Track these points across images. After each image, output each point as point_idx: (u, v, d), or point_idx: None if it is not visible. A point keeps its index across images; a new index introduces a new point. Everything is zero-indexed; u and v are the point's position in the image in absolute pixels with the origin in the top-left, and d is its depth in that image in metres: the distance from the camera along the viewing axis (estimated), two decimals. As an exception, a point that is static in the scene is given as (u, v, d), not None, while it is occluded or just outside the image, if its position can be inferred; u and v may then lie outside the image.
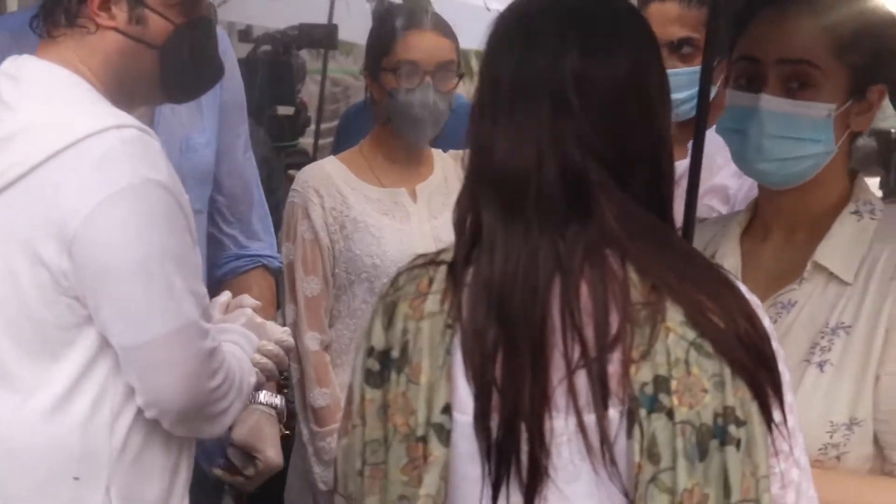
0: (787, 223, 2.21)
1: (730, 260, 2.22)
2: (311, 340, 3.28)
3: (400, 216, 3.34)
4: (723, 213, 2.86)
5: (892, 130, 4.97)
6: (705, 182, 2.69)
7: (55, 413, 2.17)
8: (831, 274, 2.12)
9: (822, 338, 2.06)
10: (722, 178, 2.90)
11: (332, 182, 3.32)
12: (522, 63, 1.75)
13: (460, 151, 3.29)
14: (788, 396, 1.72)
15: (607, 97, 1.71)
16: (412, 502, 1.72)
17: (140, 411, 2.21)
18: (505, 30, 1.80)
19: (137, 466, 2.24)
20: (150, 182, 2.15)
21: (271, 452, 2.87)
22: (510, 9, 1.83)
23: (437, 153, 3.46)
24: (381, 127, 3.40)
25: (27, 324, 2.16)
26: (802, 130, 2.13)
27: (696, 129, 2.29)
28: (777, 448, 1.70)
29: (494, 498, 1.70)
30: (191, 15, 2.32)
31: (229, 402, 2.31)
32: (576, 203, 1.70)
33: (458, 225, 1.77)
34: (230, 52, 3.12)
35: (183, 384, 2.20)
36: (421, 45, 3.29)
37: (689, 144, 2.34)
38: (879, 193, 5.06)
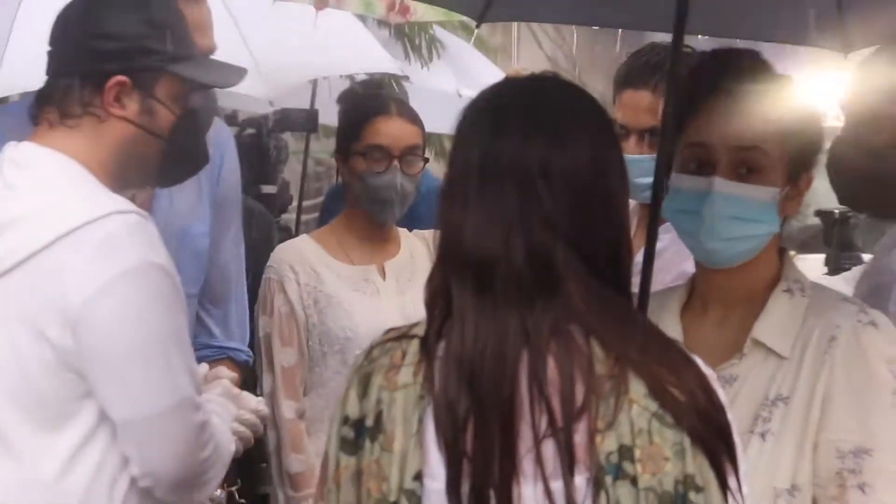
0: (724, 300, 2.25)
1: (671, 334, 2.23)
2: (288, 409, 3.28)
3: (370, 292, 3.35)
4: None
5: (836, 211, 4.99)
6: (677, 266, 2.72)
7: (58, 482, 2.17)
8: (769, 349, 2.14)
9: (763, 409, 2.10)
10: (690, 266, 2.92)
11: (306, 259, 3.34)
12: (491, 148, 1.76)
13: (429, 231, 3.36)
14: (742, 465, 1.73)
15: (571, 183, 1.73)
16: None
17: (133, 480, 2.21)
18: (475, 116, 1.81)
19: None
20: (151, 265, 2.18)
21: None
22: (480, 96, 1.84)
23: (403, 232, 3.49)
24: (352, 207, 3.43)
25: (31, 397, 2.16)
26: (751, 212, 2.16)
27: (652, 212, 2.33)
28: None
29: None
30: (187, 106, 2.36)
31: (216, 472, 2.34)
32: (542, 282, 1.71)
33: (430, 301, 1.78)
34: (229, 143, 3.16)
35: (178, 456, 2.22)
36: (388, 131, 3.32)
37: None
38: (825, 269, 5.08)
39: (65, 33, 2.30)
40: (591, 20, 3.50)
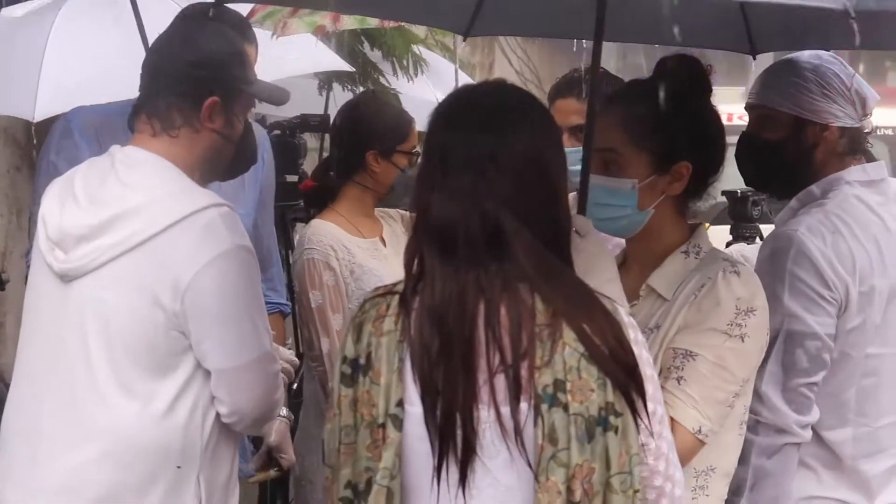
0: (638, 260, 2.35)
1: None
2: None
3: (381, 258, 3.41)
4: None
5: (738, 191, 5.03)
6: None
7: (165, 417, 2.25)
8: (658, 294, 2.25)
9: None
10: None
11: (337, 238, 3.36)
12: (449, 140, 1.81)
13: (394, 210, 3.55)
14: (650, 388, 1.79)
15: (515, 166, 1.77)
16: (374, 473, 1.77)
17: (217, 416, 2.28)
18: (437, 116, 1.86)
19: (215, 458, 2.33)
20: (240, 247, 2.29)
21: (291, 453, 3.08)
22: (443, 100, 1.89)
23: (376, 210, 3.54)
24: (352, 189, 3.43)
25: (146, 351, 2.25)
26: (612, 198, 2.26)
27: (580, 195, 2.36)
28: (650, 430, 1.79)
29: (438, 469, 1.75)
30: (247, 117, 2.46)
31: (279, 409, 2.48)
32: (494, 247, 1.75)
33: (407, 264, 1.82)
34: (266, 144, 3.30)
35: (259, 398, 2.33)
36: (414, 138, 3.41)
37: None
38: (730, 237, 5.14)
39: (165, 61, 2.35)
40: (559, 33, 3.51)
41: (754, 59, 3.02)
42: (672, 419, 2.05)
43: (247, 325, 2.30)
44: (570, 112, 3.16)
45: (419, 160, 3.38)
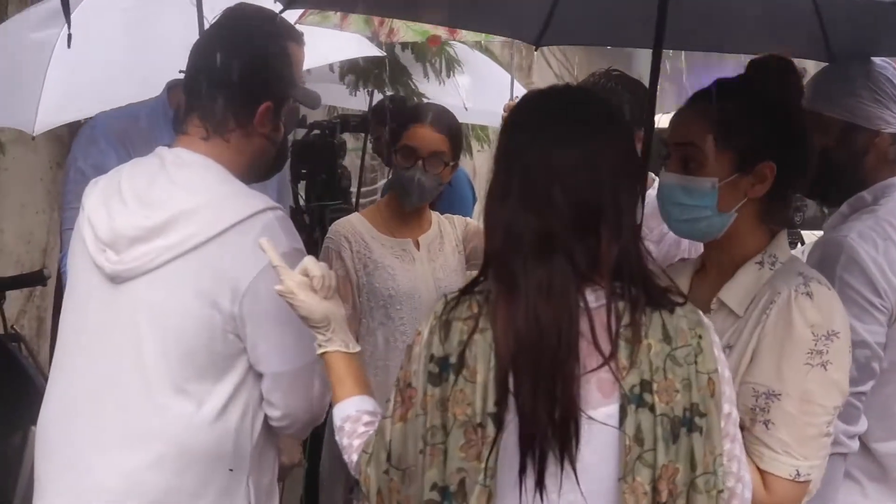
0: (715, 267, 2.21)
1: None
2: None
3: (407, 260, 3.34)
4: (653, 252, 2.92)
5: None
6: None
7: (218, 420, 2.18)
8: (729, 308, 2.11)
9: None
10: (647, 245, 2.91)
11: (357, 232, 3.32)
12: (529, 152, 1.77)
13: (458, 217, 3.50)
14: (726, 389, 1.78)
15: (596, 174, 1.73)
16: (469, 473, 1.72)
17: (264, 419, 2.23)
18: (512, 126, 1.83)
19: (262, 460, 2.28)
20: (296, 251, 2.20)
21: (294, 452, 2.94)
22: (513, 110, 1.86)
23: (435, 214, 3.49)
24: (392, 192, 3.44)
25: (202, 353, 2.16)
26: (691, 198, 2.12)
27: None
28: (727, 432, 1.78)
29: (522, 470, 1.71)
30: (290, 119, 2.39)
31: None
32: (580, 254, 1.72)
33: (484, 269, 1.79)
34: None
35: (312, 400, 2.25)
36: (419, 136, 3.29)
37: None
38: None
39: (220, 64, 2.27)
40: (622, 42, 3.46)
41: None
42: (764, 472, 2.00)
43: (302, 327, 2.20)
44: None
45: (447, 167, 3.32)
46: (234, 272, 2.15)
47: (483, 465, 1.71)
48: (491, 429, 1.71)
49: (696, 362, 1.73)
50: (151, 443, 2.16)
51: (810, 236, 4.23)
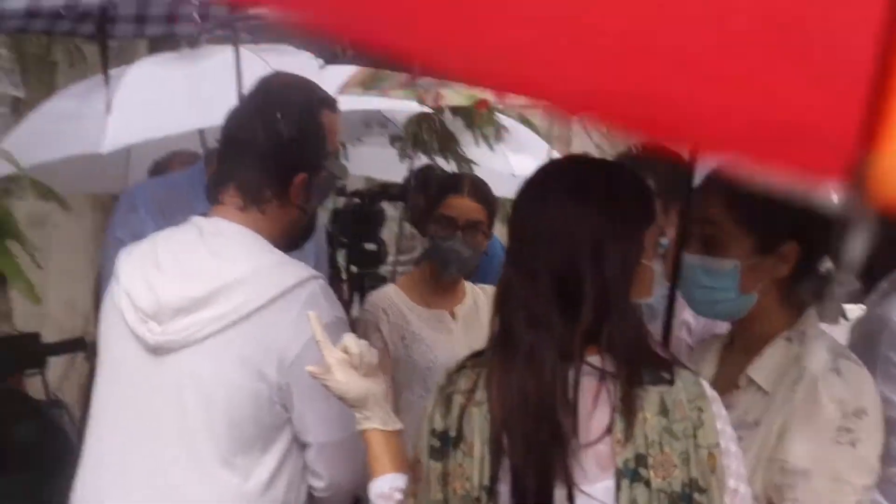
0: (743, 343, 2.16)
1: (708, 367, 2.20)
2: None
3: (445, 331, 3.29)
4: (689, 343, 2.86)
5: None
6: (677, 316, 2.66)
7: (266, 492, 2.15)
8: (757, 385, 2.06)
9: (740, 430, 2.01)
10: (686, 316, 2.87)
11: (394, 304, 3.28)
12: (528, 216, 1.76)
13: (490, 286, 3.33)
14: (732, 464, 1.72)
15: (555, 246, 1.71)
16: None
17: (306, 490, 2.21)
18: (524, 191, 1.80)
19: None
20: (340, 319, 2.19)
21: None
22: (530, 176, 1.83)
23: (469, 285, 3.43)
24: (427, 262, 3.39)
25: (249, 424, 2.14)
26: (712, 280, 2.08)
27: (672, 272, 2.24)
28: None
29: None
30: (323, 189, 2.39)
31: None
32: (571, 320, 1.68)
33: (490, 340, 1.77)
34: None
35: (357, 470, 2.20)
36: (457, 206, 3.26)
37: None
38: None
39: (256, 136, 2.28)
40: None
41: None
42: None
43: None
44: None
45: (484, 237, 3.30)
46: (280, 342, 2.14)
47: None
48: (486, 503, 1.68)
49: (695, 436, 1.68)
50: None
51: (853, 309, 4.17)
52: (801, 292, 2.13)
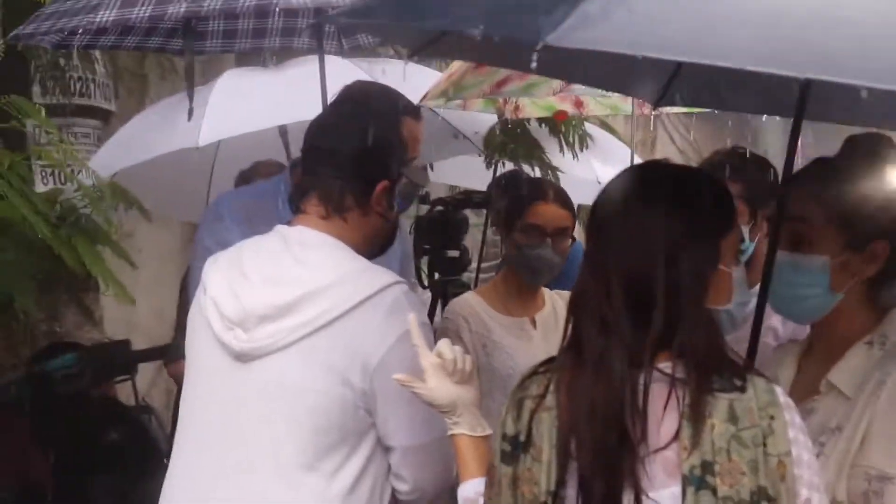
0: (822, 347, 2.13)
1: (787, 372, 2.17)
2: None
3: (525, 338, 3.27)
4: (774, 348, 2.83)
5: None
6: (764, 323, 2.63)
7: (350, 496, 2.15)
8: (840, 391, 2.03)
9: (822, 436, 1.99)
10: (773, 322, 2.82)
11: (475, 312, 3.26)
12: (602, 220, 1.77)
13: (567, 292, 3.33)
14: (805, 474, 1.68)
15: (627, 250, 1.71)
16: None
17: (390, 493, 2.21)
18: (603, 198, 1.80)
19: None
20: (423, 324, 2.17)
21: None
22: (608, 183, 1.82)
23: (547, 291, 3.41)
24: (508, 270, 3.36)
25: (334, 429, 2.15)
26: (800, 276, 2.06)
27: (764, 276, 2.20)
28: None
29: None
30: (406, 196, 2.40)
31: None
32: (640, 325, 1.68)
33: (563, 346, 1.77)
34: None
35: (441, 474, 2.23)
36: (544, 214, 3.23)
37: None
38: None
39: (338, 144, 2.30)
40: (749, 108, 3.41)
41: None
42: None
43: None
44: None
45: (571, 242, 3.26)
46: (364, 348, 2.15)
47: None
48: None
49: (764, 444, 1.65)
50: None
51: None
52: (885, 295, 2.09)
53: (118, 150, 4.69)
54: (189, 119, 2.85)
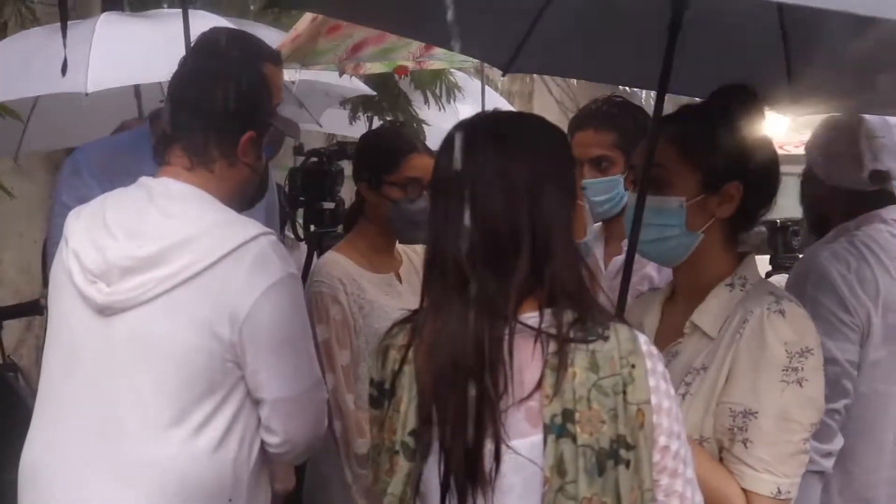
0: (684, 292, 2.19)
1: (651, 319, 2.22)
2: (349, 401, 3.10)
3: (394, 295, 3.22)
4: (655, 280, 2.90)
5: (777, 220, 4.96)
6: (637, 272, 2.68)
7: (218, 450, 2.14)
8: (703, 331, 2.08)
9: (688, 376, 2.04)
10: (649, 270, 2.88)
11: (347, 273, 3.18)
12: (441, 169, 1.75)
13: (417, 246, 3.33)
14: (664, 421, 1.70)
15: (507, 187, 1.69)
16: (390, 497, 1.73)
17: (259, 446, 2.20)
18: (440, 147, 1.79)
19: (257, 489, 2.25)
20: (291, 275, 2.19)
21: (286, 479, 2.91)
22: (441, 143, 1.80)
23: (399, 245, 3.36)
24: (367, 225, 3.28)
25: (201, 382, 2.12)
26: (660, 218, 2.10)
27: (632, 230, 2.22)
28: (663, 466, 1.69)
29: (443, 496, 1.69)
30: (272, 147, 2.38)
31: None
32: (499, 272, 1.67)
33: (422, 296, 1.77)
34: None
35: (312, 426, 2.24)
36: (421, 165, 3.15)
37: (623, 242, 2.32)
38: (769, 268, 5.04)
39: (200, 94, 2.25)
40: (596, 77, 3.43)
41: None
42: (747, 491, 1.98)
43: (301, 353, 2.24)
44: (589, 144, 3.00)
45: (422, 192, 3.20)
46: (231, 300, 2.13)
47: (390, 491, 1.72)
48: (402, 458, 1.71)
49: (624, 392, 1.66)
50: (150, 475, 2.12)
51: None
52: (743, 240, 2.17)
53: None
54: (63, 74, 2.74)
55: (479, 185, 1.68)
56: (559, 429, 1.64)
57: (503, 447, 1.66)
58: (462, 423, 1.65)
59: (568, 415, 1.64)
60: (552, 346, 1.67)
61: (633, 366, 1.68)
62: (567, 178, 1.76)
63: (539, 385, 1.66)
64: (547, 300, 1.69)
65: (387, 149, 3.26)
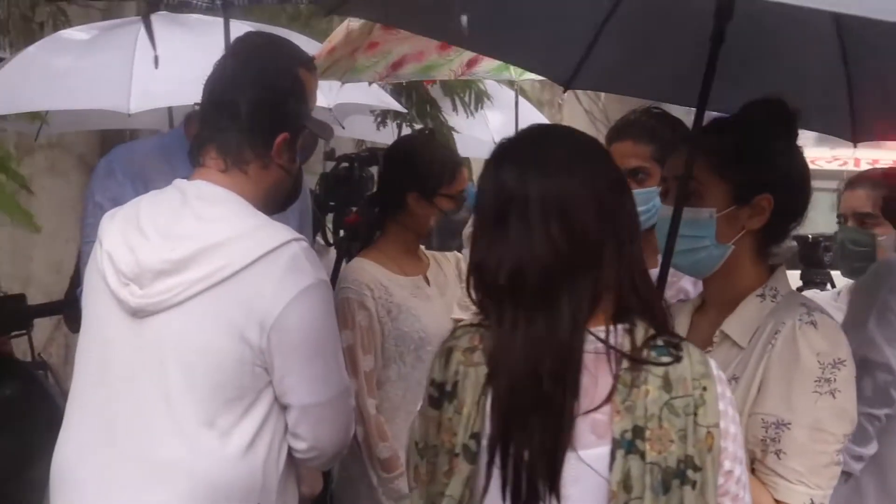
0: (715, 303, 2.18)
1: (680, 328, 2.21)
2: (371, 406, 3.13)
3: (423, 297, 3.26)
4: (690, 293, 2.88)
5: (809, 236, 4.93)
6: (673, 284, 2.67)
7: (247, 455, 2.14)
8: (733, 340, 2.08)
9: None
10: (685, 283, 2.88)
11: (375, 277, 3.20)
12: (505, 186, 1.72)
13: (455, 253, 3.43)
14: (729, 446, 1.71)
15: (572, 209, 1.69)
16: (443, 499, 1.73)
17: (288, 451, 2.20)
18: (491, 160, 1.78)
19: (285, 493, 2.24)
20: (321, 281, 2.18)
21: (314, 483, 2.88)
22: (498, 146, 1.80)
23: (422, 248, 3.43)
24: (400, 231, 3.32)
25: (231, 387, 2.13)
26: (690, 229, 2.11)
27: (667, 243, 2.21)
28: (726, 490, 1.71)
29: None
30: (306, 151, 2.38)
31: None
32: (583, 290, 1.68)
33: (480, 305, 1.76)
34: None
35: (340, 433, 2.24)
36: (465, 178, 3.30)
37: (657, 255, 2.32)
38: (800, 283, 5.02)
39: (236, 96, 2.26)
40: (643, 94, 3.42)
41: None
42: (780, 502, 1.97)
43: (330, 359, 2.23)
44: (627, 155, 2.96)
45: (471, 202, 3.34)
46: (261, 305, 2.13)
47: (448, 493, 1.71)
48: (462, 461, 1.71)
49: (695, 414, 1.67)
50: (179, 478, 2.13)
51: (840, 278, 4.21)
52: (774, 252, 2.16)
53: (41, 86, 4.55)
54: (156, 67, 2.78)
55: (563, 199, 1.68)
56: (629, 444, 1.65)
57: (573, 455, 1.66)
58: (536, 429, 1.65)
59: (638, 431, 1.65)
60: (625, 363, 1.67)
61: (704, 388, 1.69)
62: (629, 194, 1.78)
63: (609, 398, 1.66)
64: (618, 312, 1.71)
65: (444, 161, 3.31)
